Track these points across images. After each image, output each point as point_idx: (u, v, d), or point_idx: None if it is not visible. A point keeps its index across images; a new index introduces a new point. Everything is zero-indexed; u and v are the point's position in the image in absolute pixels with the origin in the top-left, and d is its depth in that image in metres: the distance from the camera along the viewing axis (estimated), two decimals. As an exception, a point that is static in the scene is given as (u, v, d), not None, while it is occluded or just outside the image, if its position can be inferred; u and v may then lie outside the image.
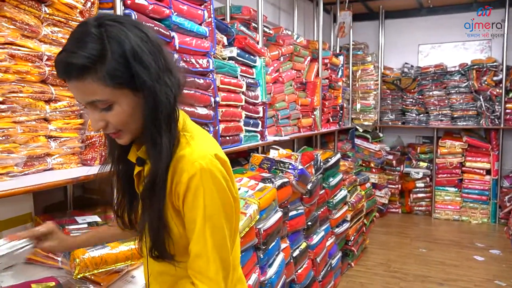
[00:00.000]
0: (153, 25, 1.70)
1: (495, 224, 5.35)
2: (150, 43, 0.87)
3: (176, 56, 1.85)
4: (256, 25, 2.95)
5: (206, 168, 0.87)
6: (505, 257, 4.18)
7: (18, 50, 1.27)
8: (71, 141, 1.48)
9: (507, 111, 5.37)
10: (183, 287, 0.99)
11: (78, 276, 1.23)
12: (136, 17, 1.60)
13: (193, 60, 1.96)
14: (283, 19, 4.50)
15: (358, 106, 5.74)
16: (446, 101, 5.65)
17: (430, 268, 3.88)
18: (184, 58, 1.91)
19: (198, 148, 0.90)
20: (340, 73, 4.85)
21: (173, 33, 1.83)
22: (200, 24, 2.06)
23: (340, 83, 4.72)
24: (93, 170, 1.47)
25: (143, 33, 0.87)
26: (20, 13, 1.27)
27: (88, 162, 1.53)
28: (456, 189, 5.57)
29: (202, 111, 2.03)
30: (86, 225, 1.48)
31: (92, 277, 1.30)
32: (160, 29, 1.74)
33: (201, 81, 2.01)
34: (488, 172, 5.43)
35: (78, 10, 1.45)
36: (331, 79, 4.47)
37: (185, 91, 1.90)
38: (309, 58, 3.91)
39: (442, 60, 5.79)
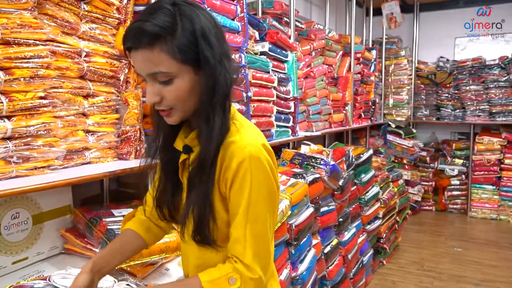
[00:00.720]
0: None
1: (535, 224, 5.13)
2: (216, 27, 0.91)
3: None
4: (288, 20, 2.93)
5: (255, 155, 0.89)
6: (547, 259, 4.00)
7: (59, 46, 1.31)
8: (107, 135, 1.52)
9: (550, 106, 5.12)
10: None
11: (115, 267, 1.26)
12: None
13: (225, 55, 1.96)
14: (315, 13, 4.45)
15: (391, 101, 5.61)
16: (484, 95, 5.44)
17: (466, 268, 3.76)
18: (217, 53, 1.91)
19: (247, 136, 0.92)
20: (372, 68, 4.76)
21: (206, 29, 1.83)
22: (233, 19, 2.06)
23: (372, 78, 4.63)
24: (127, 164, 1.50)
25: (211, 17, 0.91)
26: (60, 11, 1.31)
27: (124, 156, 1.57)
28: (494, 187, 5.36)
29: (235, 106, 2.03)
30: (122, 218, 1.51)
31: (128, 269, 1.33)
32: (193, 25, 1.75)
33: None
34: (529, 169, 5.21)
35: (115, 7, 1.48)
36: (363, 74, 4.39)
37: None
38: (341, 53, 3.86)
39: (480, 54, 5.57)
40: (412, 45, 5.94)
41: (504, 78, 5.32)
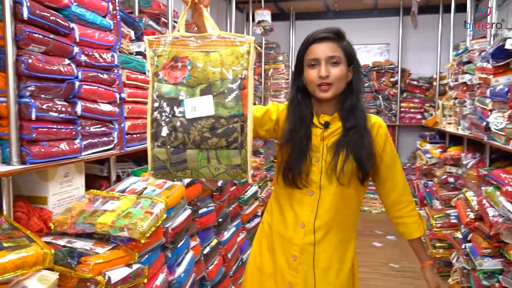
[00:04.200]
0: (49, 15, 1.58)
1: (392, 213, 5.86)
2: None
3: (77, 49, 1.74)
4: (166, 20, 2.89)
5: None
6: (399, 242, 4.60)
7: None
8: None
9: (402, 109, 5.90)
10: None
11: None
12: (29, 5, 1.48)
13: (96, 54, 1.87)
14: (196, 14, 4.46)
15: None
16: (350, 100, 6.03)
17: (335, 256, 4.12)
18: (86, 52, 1.81)
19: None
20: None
21: (72, 24, 1.73)
22: (104, 17, 1.96)
23: (252, 81, 4.80)
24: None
25: None
26: None
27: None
28: (359, 182, 5.98)
29: (105, 107, 1.94)
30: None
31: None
32: (57, 20, 1.63)
33: (105, 76, 1.92)
34: (386, 165, 5.92)
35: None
36: (243, 77, 4.53)
37: (87, 87, 1.82)
38: (221, 55, 3.92)
39: (347, 61, 6.15)
40: (289, 51, 6.32)
41: (366, 84, 5.98)
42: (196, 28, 1.34)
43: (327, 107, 1.47)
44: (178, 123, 1.15)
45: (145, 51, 2.35)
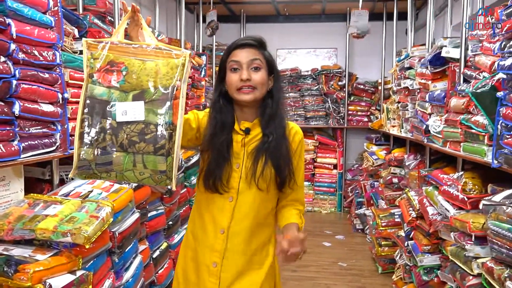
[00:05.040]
0: (-17, 9, 1.49)
1: (340, 212, 6.04)
2: None
3: (14, 46, 1.65)
4: (112, 19, 2.81)
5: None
6: (348, 241, 4.75)
7: None
8: None
9: (349, 112, 6.10)
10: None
11: None
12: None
13: (35, 52, 1.78)
14: (144, 15, 4.36)
15: (222, 105, 5.87)
16: (300, 102, 6.16)
17: (285, 257, 4.17)
18: (24, 49, 1.72)
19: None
20: (203, 73, 4.91)
21: (8, 20, 1.64)
22: (45, 13, 1.88)
23: (203, 83, 4.78)
24: None
25: None
26: None
27: None
28: (309, 183, 6.11)
29: (47, 108, 1.85)
30: None
31: None
32: (-8, 15, 1.54)
33: (46, 75, 1.84)
34: (335, 166, 6.10)
35: None
36: (194, 79, 4.50)
37: (26, 86, 1.74)
38: (171, 56, 3.86)
39: (297, 65, 6.28)
40: (240, 54, 6.32)
41: (315, 87, 6.12)
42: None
43: (248, 114, 1.49)
44: (108, 125, 1.18)
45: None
